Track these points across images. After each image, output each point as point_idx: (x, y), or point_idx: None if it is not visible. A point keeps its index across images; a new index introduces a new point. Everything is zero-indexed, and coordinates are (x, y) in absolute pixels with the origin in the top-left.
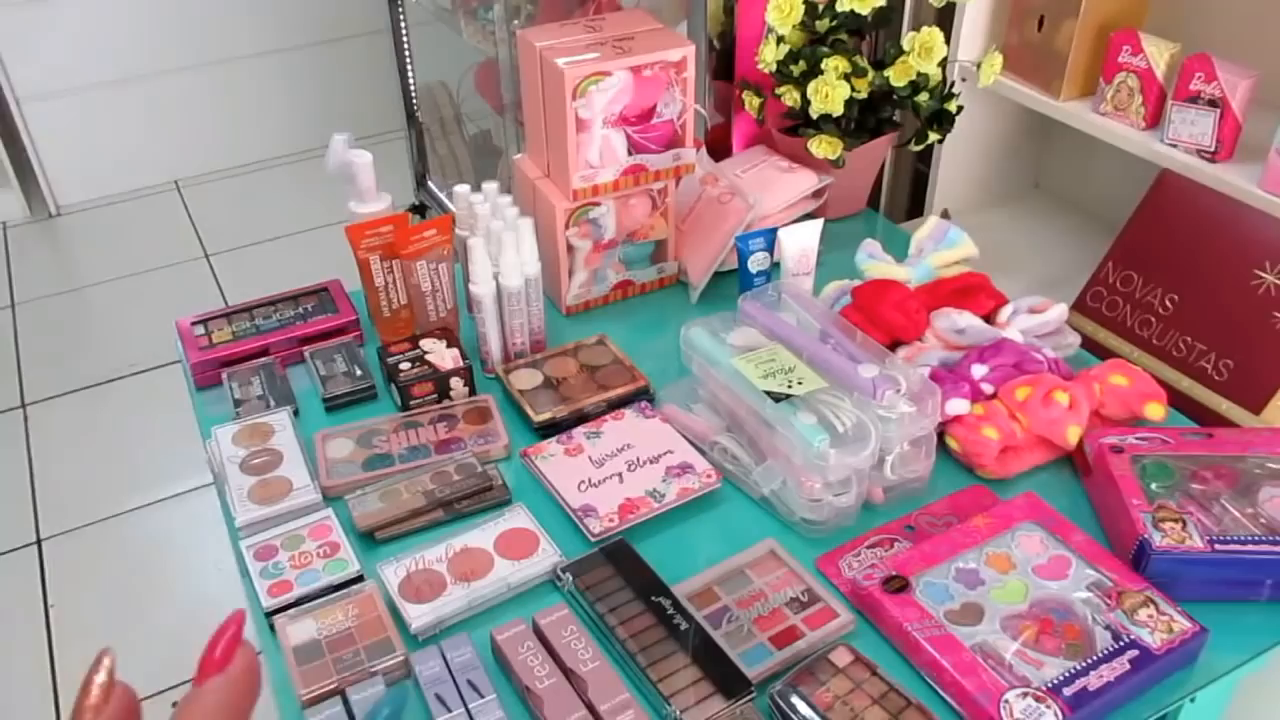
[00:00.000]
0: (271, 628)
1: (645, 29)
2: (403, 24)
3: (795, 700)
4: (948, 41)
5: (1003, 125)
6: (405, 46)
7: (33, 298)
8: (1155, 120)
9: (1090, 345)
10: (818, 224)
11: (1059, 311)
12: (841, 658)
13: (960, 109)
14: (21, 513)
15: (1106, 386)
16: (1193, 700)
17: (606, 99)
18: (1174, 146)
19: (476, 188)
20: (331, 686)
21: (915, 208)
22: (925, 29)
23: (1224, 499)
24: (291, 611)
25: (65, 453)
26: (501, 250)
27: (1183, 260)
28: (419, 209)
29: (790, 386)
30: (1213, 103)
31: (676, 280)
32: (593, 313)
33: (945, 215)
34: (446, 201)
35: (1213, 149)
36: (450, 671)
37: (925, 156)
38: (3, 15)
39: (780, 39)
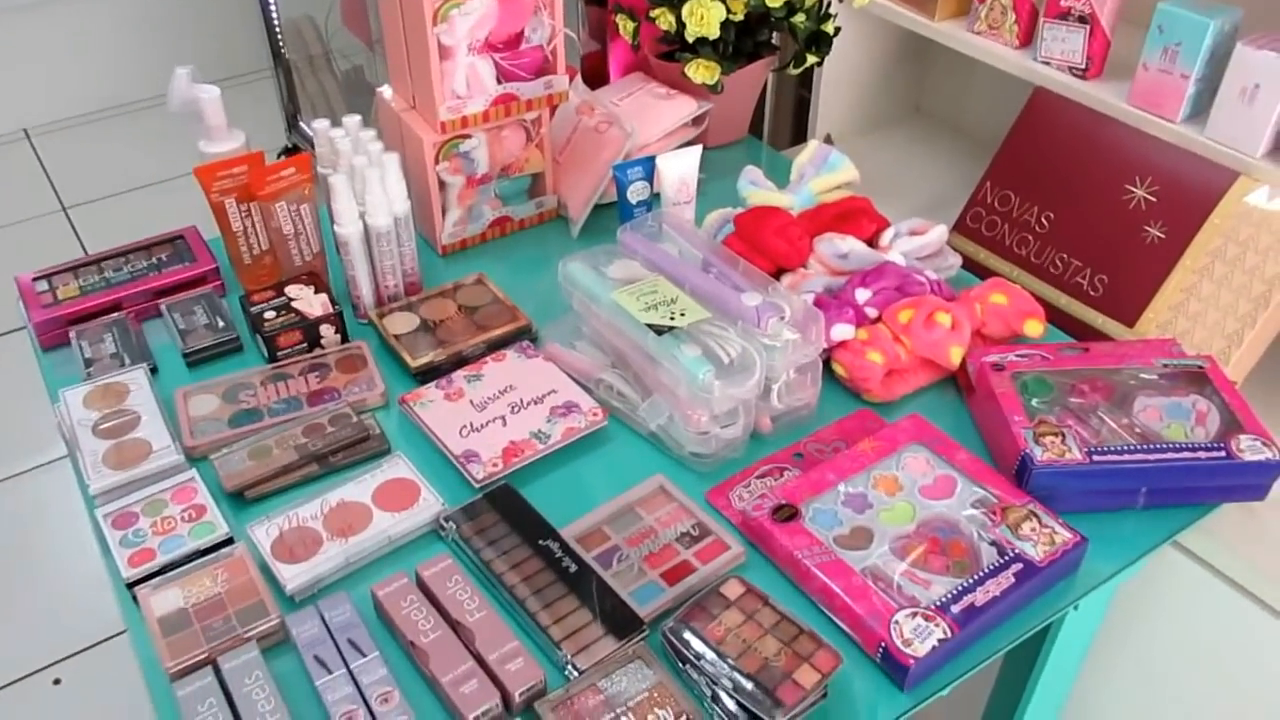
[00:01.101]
0: (135, 600)
1: None
2: None
3: (688, 636)
4: None
5: (882, 48)
6: None
7: None
8: (1028, 39)
9: (971, 265)
10: (696, 150)
11: (939, 233)
12: (733, 590)
13: (838, 30)
14: None
15: (987, 306)
16: (1075, 609)
17: (470, 24)
18: (1046, 64)
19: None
20: (202, 656)
21: (798, 134)
22: None
23: (1101, 411)
24: (155, 581)
25: None
26: (367, 188)
27: (1057, 178)
28: (292, 151)
29: (673, 319)
30: (1082, 19)
31: (556, 215)
32: (470, 251)
33: (828, 140)
34: None
35: (1084, 66)
36: (330, 632)
37: (806, 82)
38: None
39: None
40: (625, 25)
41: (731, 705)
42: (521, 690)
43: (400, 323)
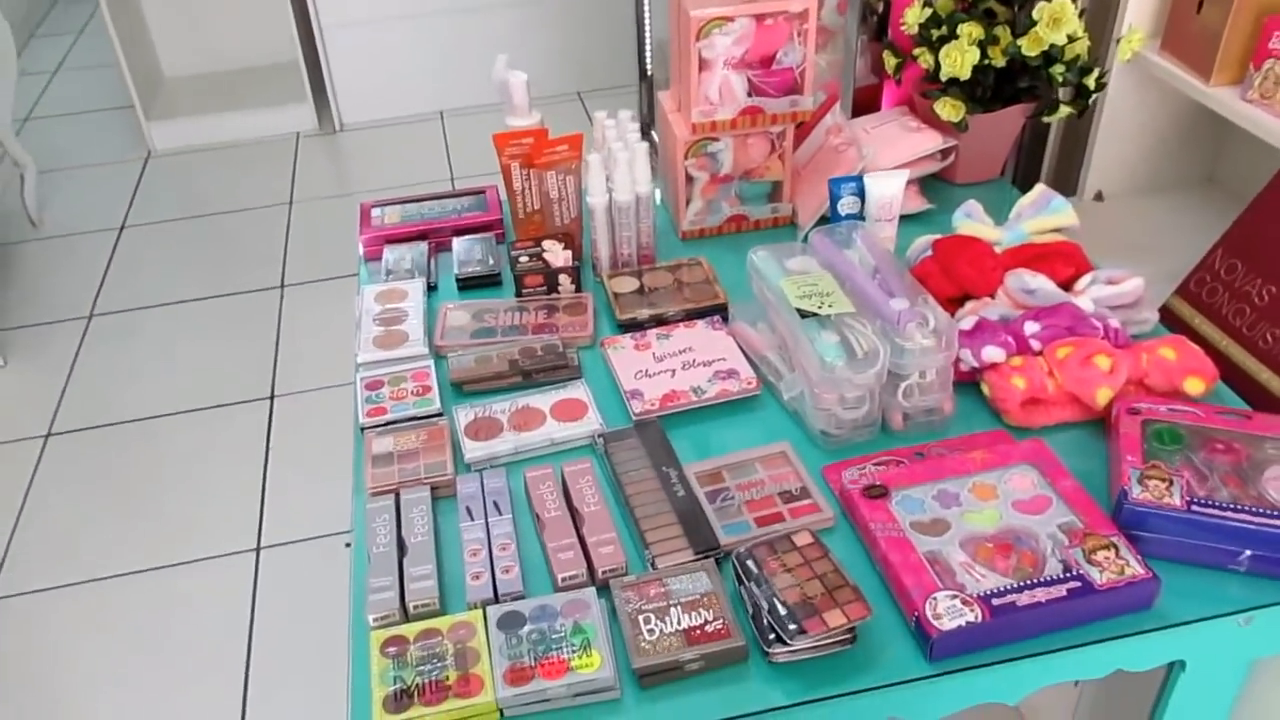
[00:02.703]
0: (363, 438)
1: None
2: None
3: (749, 562)
4: (1113, 18)
5: (1171, 112)
6: (644, 3)
7: (308, 198)
8: None
9: (1182, 330)
10: (903, 174)
11: (1134, 285)
12: (802, 539)
13: (1102, 85)
14: (263, 373)
15: (1154, 357)
16: (1184, 668)
17: (729, 42)
18: None
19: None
20: (391, 486)
21: (1068, 186)
22: (1057, 0)
23: (1224, 470)
24: (379, 429)
25: (308, 328)
26: (615, 168)
27: None
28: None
29: (821, 307)
30: None
31: (789, 221)
32: (706, 240)
33: (1098, 197)
34: None
35: None
36: (483, 492)
37: (1085, 135)
38: None
39: (926, 3)
40: (889, 61)
41: (765, 624)
42: (605, 568)
43: (624, 284)
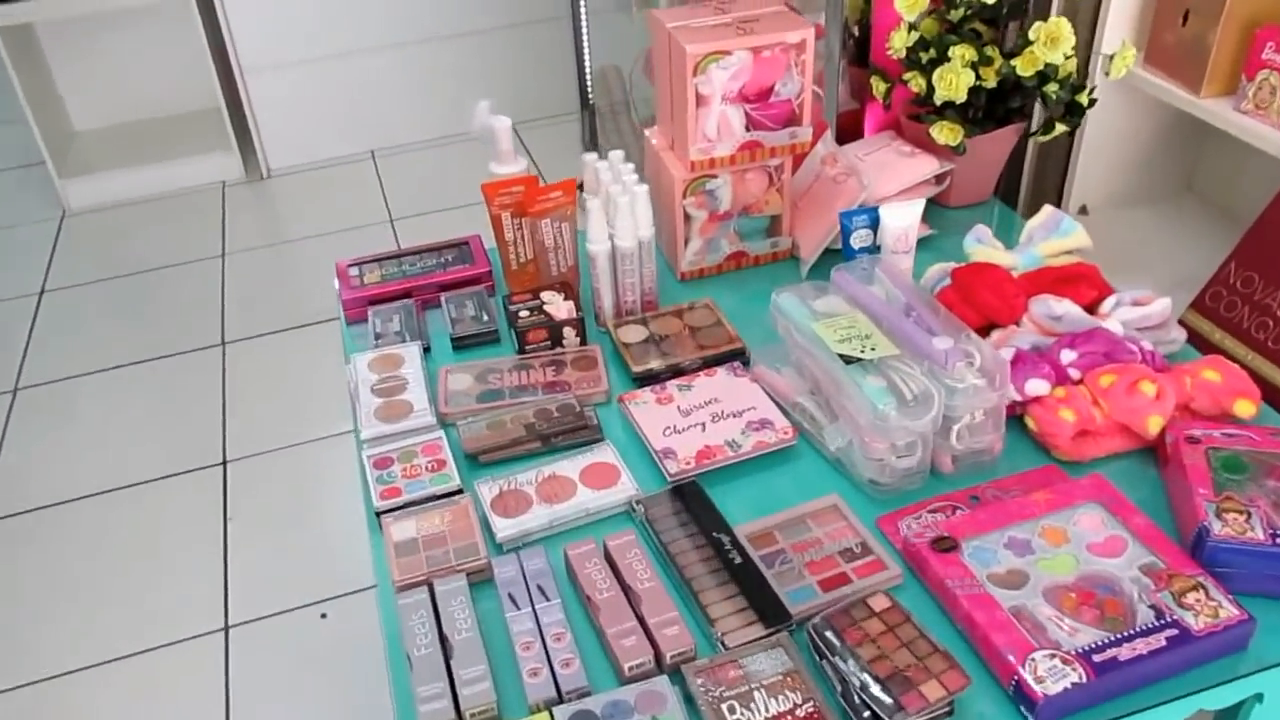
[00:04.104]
0: (379, 524)
1: (770, 10)
2: (582, 10)
3: (828, 634)
4: (1091, 34)
5: (1152, 123)
6: (583, 32)
7: (241, 249)
8: None
9: (1204, 345)
10: (919, 204)
11: (1162, 306)
12: (879, 603)
13: (1093, 102)
14: (211, 436)
15: (1198, 380)
16: (1261, 701)
17: (726, 76)
18: None
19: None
20: (421, 577)
21: (1051, 201)
22: (1053, 19)
23: None
24: (397, 513)
25: (255, 387)
26: (617, 213)
27: None
28: None
29: (863, 351)
30: None
31: (790, 255)
32: (706, 280)
33: (1083, 211)
34: None
35: None
36: (524, 576)
37: (1066, 150)
38: None
39: (911, 26)
40: (878, 86)
41: (856, 701)
42: (673, 652)
43: (632, 333)
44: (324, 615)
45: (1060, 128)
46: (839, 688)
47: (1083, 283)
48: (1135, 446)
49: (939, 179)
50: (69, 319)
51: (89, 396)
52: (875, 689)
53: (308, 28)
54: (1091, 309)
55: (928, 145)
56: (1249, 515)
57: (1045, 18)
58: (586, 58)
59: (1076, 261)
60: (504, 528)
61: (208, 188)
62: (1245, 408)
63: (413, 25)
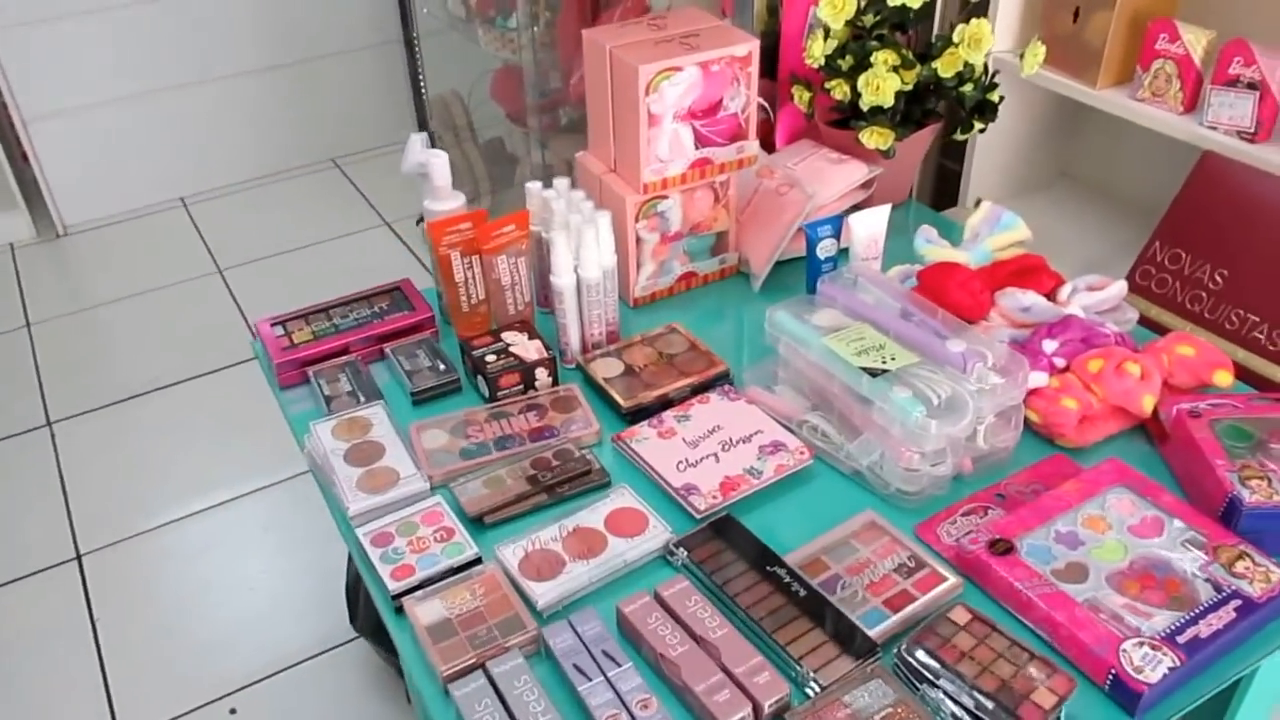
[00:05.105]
0: (398, 610)
1: (708, 26)
2: (415, 35)
3: (923, 656)
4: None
5: (1032, 114)
6: (417, 56)
7: (47, 317)
8: (1192, 105)
9: (1144, 321)
10: (885, 210)
11: (1119, 288)
12: (960, 616)
13: (1002, 99)
14: (58, 529)
15: (1174, 357)
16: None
17: (677, 94)
18: (1213, 129)
19: (549, 184)
20: (471, 661)
21: (942, 197)
22: (974, 20)
23: None
24: (418, 594)
25: (96, 469)
26: (581, 243)
27: (1229, 237)
28: None
29: (885, 362)
30: (1252, 85)
31: (736, 271)
32: (658, 304)
33: (978, 204)
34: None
35: (1253, 130)
36: (584, 643)
37: (951, 147)
38: (6, 37)
39: (828, 34)
40: (801, 95)
41: None
42: (771, 701)
43: (606, 368)
44: (233, 711)
45: (978, 125)
46: (949, 711)
47: (1039, 273)
48: (1128, 426)
49: (866, 184)
50: None
51: None
52: (990, 706)
53: (96, 68)
54: (1049, 297)
55: (853, 150)
56: (1269, 480)
57: (952, 21)
58: (422, 82)
59: (1023, 254)
60: (543, 592)
61: None
62: (1224, 377)
63: (217, 59)
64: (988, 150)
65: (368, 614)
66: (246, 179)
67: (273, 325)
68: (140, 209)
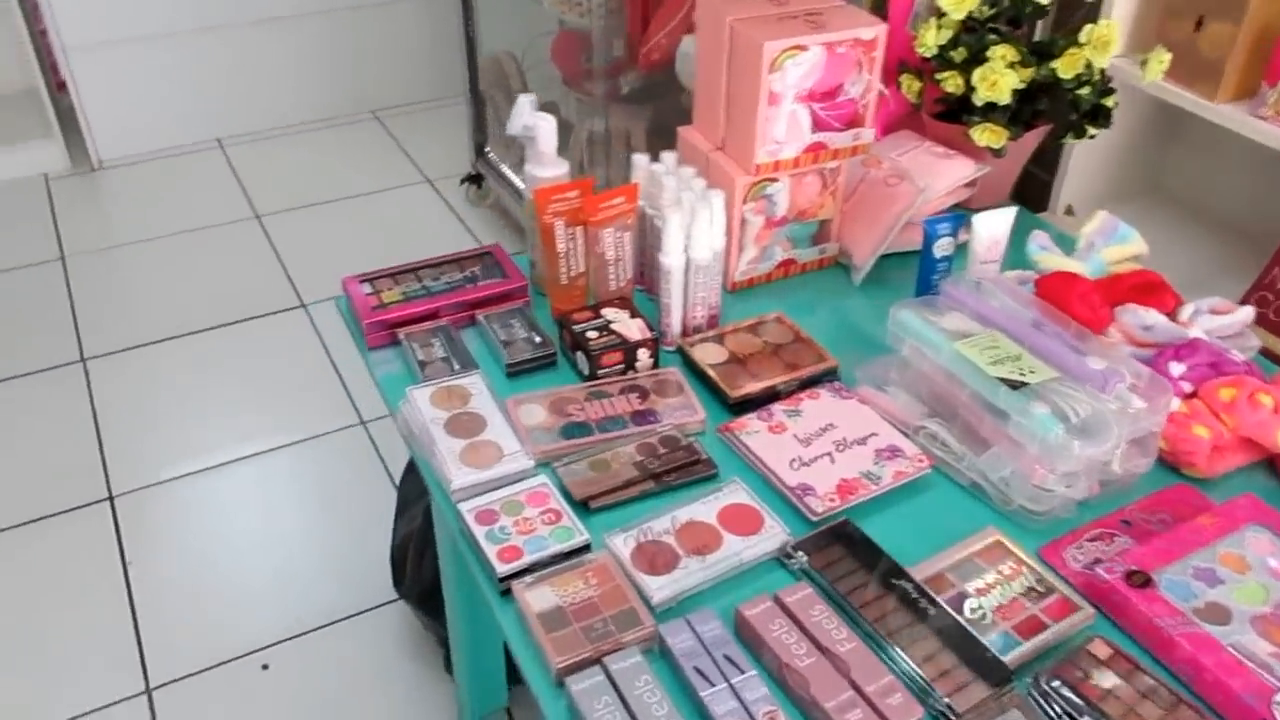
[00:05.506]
0: (504, 592)
1: (830, 4)
2: None
3: (1066, 691)
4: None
5: (1127, 123)
6: (472, 11)
7: (81, 251)
8: None
9: (1262, 351)
10: (1011, 211)
11: (1245, 314)
12: (1101, 650)
13: (1116, 104)
14: (91, 469)
15: None
16: None
17: (800, 74)
18: None
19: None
20: (587, 655)
21: (1024, 203)
22: (1103, 21)
23: None
24: (528, 578)
25: (130, 410)
26: (695, 222)
27: None
28: (475, 179)
29: (1023, 374)
30: None
31: (834, 261)
32: (755, 290)
33: (1069, 212)
34: (509, 173)
35: None
36: (704, 645)
37: (1037, 151)
38: None
39: (941, 21)
40: (910, 85)
41: None
42: None
43: (710, 354)
44: (265, 666)
45: (1091, 130)
46: None
47: (1161, 291)
48: (1257, 459)
49: (970, 182)
50: None
51: None
52: None
53: (140, 1)
54: (1170, 318)
55: (959, 145)
56: None
57: (1066, 19)
58: (474, 40)
59: (1139, 269)
60: (659, 587)
61: (28, 181)
62: None
63: (260, 2)
64: (1087, 157)
65: (415, 579)
66: (285, 125)
67: (361, 282)
68: (176, 147)
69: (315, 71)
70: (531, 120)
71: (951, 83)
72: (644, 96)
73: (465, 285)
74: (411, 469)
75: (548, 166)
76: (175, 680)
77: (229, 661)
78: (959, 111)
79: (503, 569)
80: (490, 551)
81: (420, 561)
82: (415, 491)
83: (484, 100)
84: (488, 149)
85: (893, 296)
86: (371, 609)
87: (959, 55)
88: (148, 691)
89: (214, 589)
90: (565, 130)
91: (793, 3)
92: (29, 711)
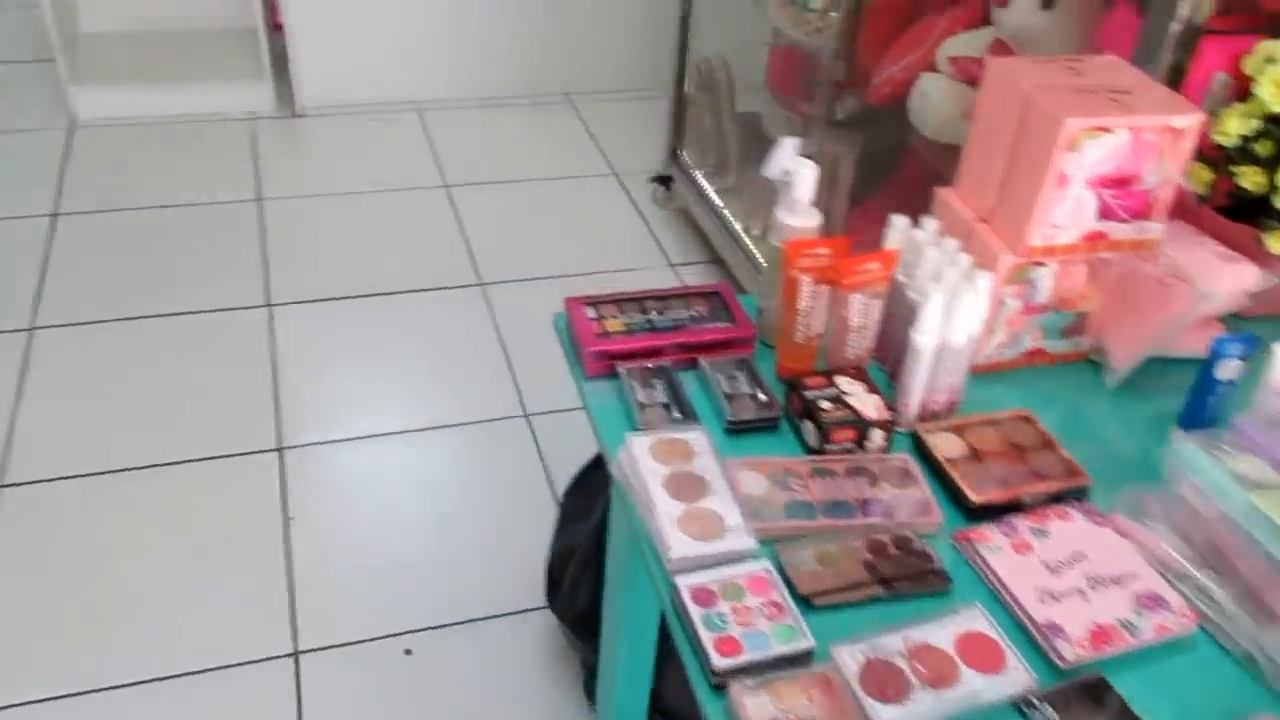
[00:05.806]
0: (716, 688)
1: (1135, 81)
2: None
3: None
4: None
5: None
6: (691, 10)
7: (278, 195)
8: None
9: None
10: None
11: None
12: None
13: None
14: (264, 417)
15: None
16: None
17: (1098, 157)
18: None
19: (907, 220)
20: None
21: None
22: None
23: None
24: (749, 681)
25: (309, 362)
26: (957, 303)
27: None
28: (665, 180)
29: None
30: None
31: (1084, 357)
32: (996, 376)
33: None
34: (702, 181)
35: None
36: None
37: None
38: None
39: (1248, 109)
40: (1200, 175)
41: None
42: None
43: (947, 445)
44: (408, 651)
45: None
46: None
47: None
48: None
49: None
50: (86, 251)
51: (110, 349)
52: None
53: None
54: None
55: (1244, 248)
56: None
57: None
58: (689, 38)
59: None
60: (889, 717)
61: (234, 118)
62: None
63: None
64: None
65: (571, 599)
66: (479, 96)
67: (585, 305)
68: (375, 104)
69: (516, 46)
70: (792, 165)
71: (1251, 179)
72: (859, 124)
73: (690, 325)
74: (580, 484)
75: (800, 216)
76: (322, 649)
77: (375, 639)
78: (1252, 210)
79: (721, 664)
80: (708, 640)
81: (578, 581)
82: (582, 508)
83: (686, 102)
84: (681, 152)
85: (1150, 408)
86: (516, 612)
87: (1264, 149)
88: (295, 654)
89: (368, 561)
90: (766, 144)
91: (1092, 75)
92: (173, 655)
